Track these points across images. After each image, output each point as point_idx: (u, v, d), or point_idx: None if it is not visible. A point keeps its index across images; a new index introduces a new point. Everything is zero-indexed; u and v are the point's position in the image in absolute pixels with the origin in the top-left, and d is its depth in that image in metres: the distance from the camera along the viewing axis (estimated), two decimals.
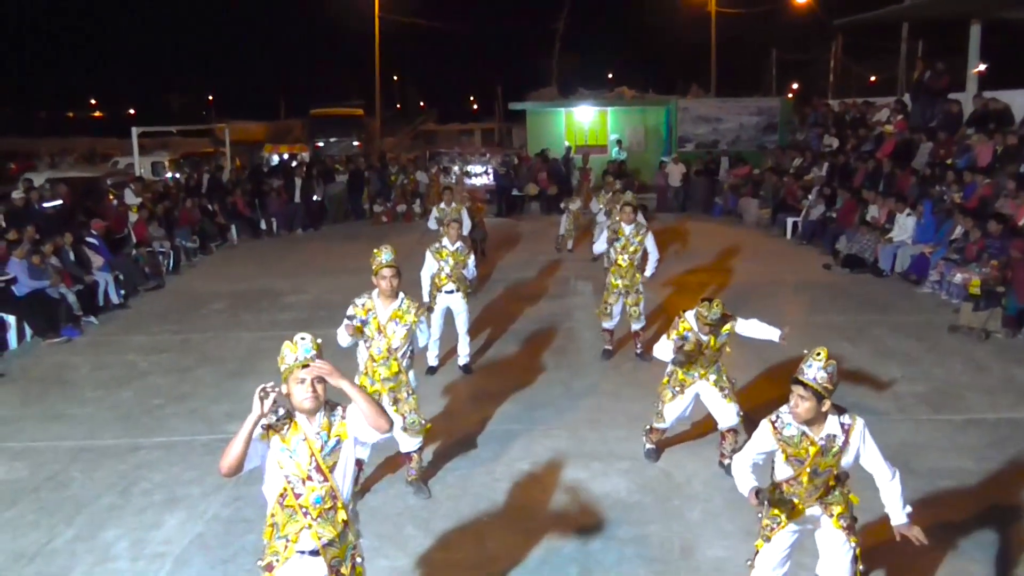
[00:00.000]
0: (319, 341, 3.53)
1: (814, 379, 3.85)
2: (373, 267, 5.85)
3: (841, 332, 9.97)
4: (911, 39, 26.59)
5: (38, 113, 58.37)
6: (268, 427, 3.51)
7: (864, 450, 4.03)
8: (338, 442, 3.61)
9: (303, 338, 3.51)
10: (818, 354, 3.89)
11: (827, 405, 3.92)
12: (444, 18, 41.65)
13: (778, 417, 4.08)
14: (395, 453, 6.22)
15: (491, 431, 7.33)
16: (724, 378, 6.30)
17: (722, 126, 23.97)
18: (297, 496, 3.55)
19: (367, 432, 3.66)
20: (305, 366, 3.48)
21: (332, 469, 3.58)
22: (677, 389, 6.35)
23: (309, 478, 3.54)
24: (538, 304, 11.84)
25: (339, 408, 3.68)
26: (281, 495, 3.57)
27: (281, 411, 3.52)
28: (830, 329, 10.15)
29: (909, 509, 4.13)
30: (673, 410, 6.39)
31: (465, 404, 8.04)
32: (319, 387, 3.51)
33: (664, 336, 6.23)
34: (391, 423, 3.73)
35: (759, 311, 10.76)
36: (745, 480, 4.16)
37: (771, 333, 6.19)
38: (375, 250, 5.89)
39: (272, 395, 3.36)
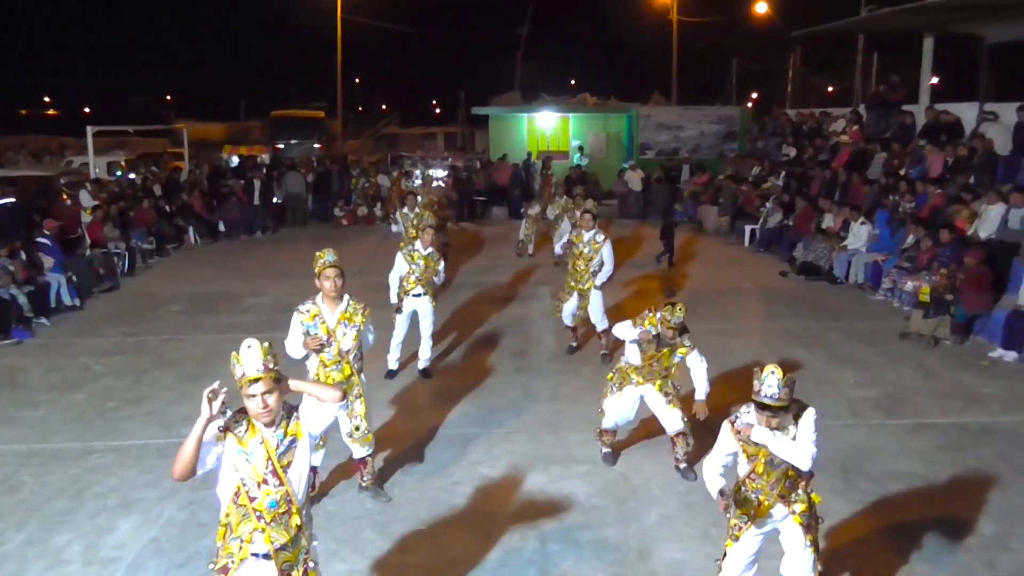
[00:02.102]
0: (266, 345, 3.47)
1: (776, 398, 3.92)
2: (316, 269, 5.74)
3: (797, 338, 10.14)
4: (867, 51, 27.16)
5: None
6: (224, 428, 3.48)
7: (805, 425, 4.09)
8: (293, 440, 3.59)
9: (249, 347, 3.45)
10: (772, 372, 3.91)
11: (793, 409, 4.05)
12: (408, 21, 41.64)
13: (737, 418, 4.17)
14: (348, 458, 6.19)
15: (450, 434, 7.32)
16: (669, 384, 6.38)
17: (683, 134, 24.25)
18: (252, 499, 3.53)
19: (317, 421, 3.73)
20: (254, 380, 3.43)
21: (287, 469, 3.56)
22: (616, 386, 6.46)
23: (265, 481, 3.52)
24: (499, 308, 11.88)
25: (295, 410, 3.67)
26: (236, 494, 3.54)
27: (228, 412, 3.48)
28: (786, 335, 10.32)
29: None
30: (613, 408, 6.48)
31: (424, 407, 8.03)
32: (270, 399, 3.46)
33: (629, 320, 6.30)
34: (343, 392, 3.82)
35: (717, 316, 10.98)
36: (713, 482, 4.26)
37: (702, 388, 6.26)
38: (317, 252, 5.79)
39: (221, 395, 3.33)
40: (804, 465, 4.01)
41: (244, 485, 3.52)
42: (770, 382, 3.90)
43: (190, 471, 3.38)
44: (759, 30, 37.74)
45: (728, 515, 4.29)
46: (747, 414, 4.11)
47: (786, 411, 3.98)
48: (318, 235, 18.59)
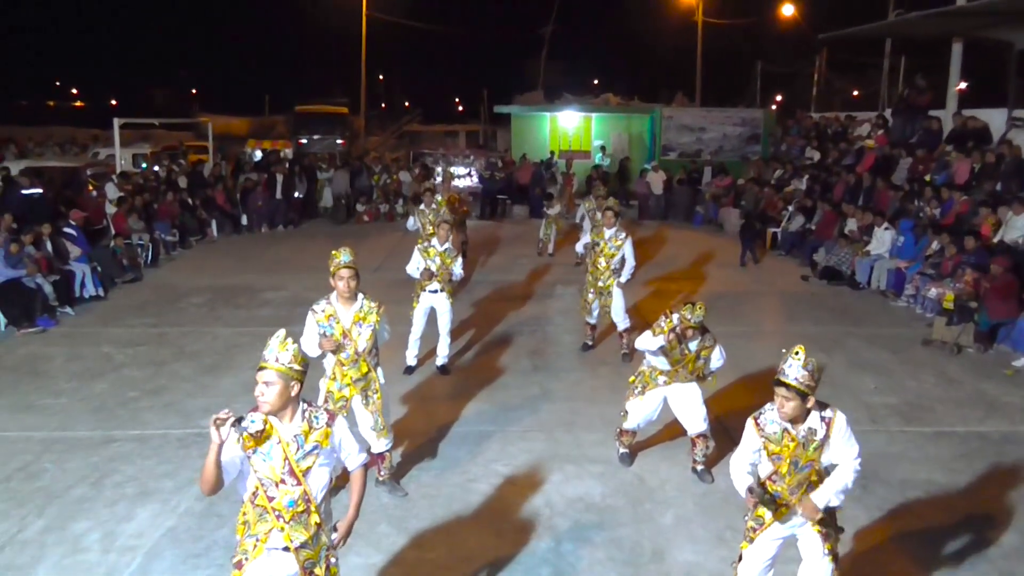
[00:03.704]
0: (297, 348, 3.61)
1: (796, 379, 3.89)
2: (331, 268, 5.72)
3: (817, 343, 10.05)
4: (894, 55, 26.89)
5: (20, 102, 57.67)
6: (249, 435, 3.49)
7: (843, 443, 4.04)
8: (316, 447, 3.61)
9: (277, 336, 3.58)
10: (796, 353, 3.92)
11: (811, 402, 3.96)
12: (432, 19, 41.70)
13: (761, 414, 4.12)
14: (367, 452, 6.21)
15: (467, 431, 7.34)
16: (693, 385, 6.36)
17: (706, 135, 24.13)
18: (270, 499, 3.54)
19: (355, 460, 3.89)
20: (261, 368, 3.52)
21: (307, 473, 3.58)
22: (639, 389, 6.43)
23: (283, 481, 3.54)
24: (518, 306, 11.88)
25: (322, 412, 3.68)
26: (252, 494, 3.57)
27: (253, 424, 3.50)
28: (806, 339, 10.12)
29: (835, 504, 4.11)
30: (637, 409, 6.46)
31: (441, 404, 8.04)
32: (269, 391, 3.50)
33: (649, 331, 6.29)
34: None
35: (737, 319, 10.93)
36: (741, 479, 4.20)
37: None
38: (333, 251, 5.77)
39: (228, 422, 3.33)
40: (855, 472, 4.06)
41: (262, 484, 3.54)
42: (791, 362, 3.91)
43: (217, 486, 3.42)
44: (784, 32, 37.55)
45: (746, 517, 4.25)
46: (772, 411, 4.06)
47: (804, 399, 3.91)
48: (339, 231, 18.69)
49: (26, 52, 62.34)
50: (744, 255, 15.45)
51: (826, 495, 4.06)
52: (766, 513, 4.16)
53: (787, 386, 3.90)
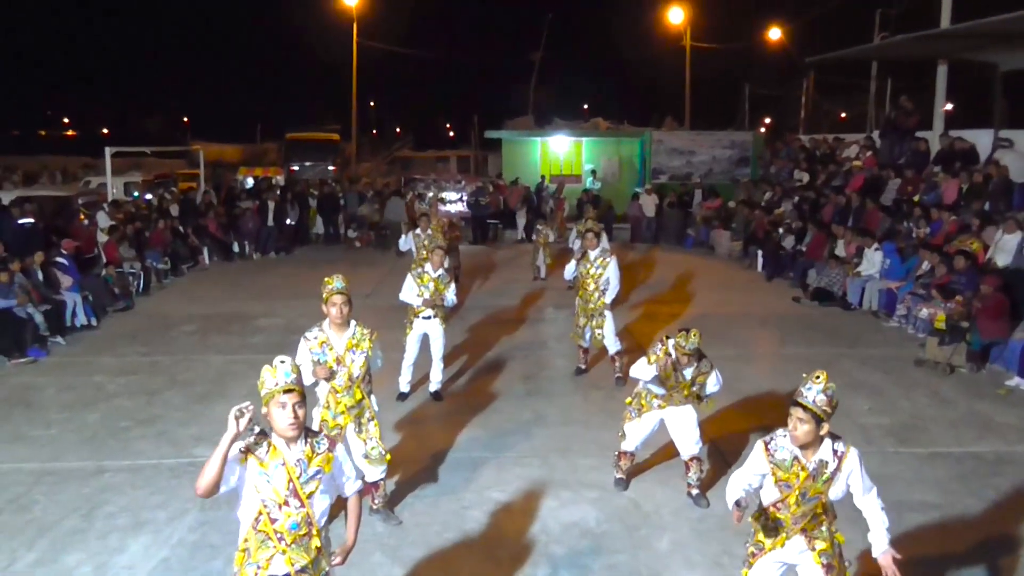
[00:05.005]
0: (298, 364, 3.63)
1: (813, 402, 3.85)
2: (323, 295, 5.69)
3: (810, 364, 9.92)
4: (880, 78, 27.18)
5: (11, 131, 57.78)
6: (246, 450, 3.51)
7: (855, 478, 3.99)
8: (319, 472, 3.64)
9: (283, 361, 3.57)
10: (818, 377, 3.89)
11: (825, 429, 3.90)
12: (423, 46, 42.00)
13: (772, 439, 4.04)
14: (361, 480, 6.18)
15: (461, 458, 7.30)
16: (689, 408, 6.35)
17: (695, 158, 24.28)
18: (273, 521, 3.55)
19: (351, 486, 3.94)
20: (288, 391, 3.53)
21: (310, 497, 3.60)
22: (635, 412, 6.43)
23: (286, 503, 3.55)
24: (510, 331, 11.87)
25: (324, 439, 3.71)
26: (256, 519, 3.57)
27: (256, 429, 3.54)
28: (799, 361, 10.24)
29: (889, 537, 4.08)
30: (634, 431, 6.45)
31: (435, 430, 8.01)
32: (300, 412, 3.55)
33: (644, 358, 6.28)
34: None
35: (729, 342, 10.93)
36: (733, 493, 4.13)
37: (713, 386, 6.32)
38: (326, 278, 5.75)
39: (248, 414, 3.37)
40: (882, 507, 4.07)
41: (265, 507, 3.54)
42: (811, 385, 3.89)
43: (214, 487, 3.41)
44: (772, 56, 37.95)
45: (747, 543, 4.21)
46: (783, 437, 4.00)
47: (819, 424, 3.86)
48: (330, 257, 18.68)
49: (17, 82, 62.57)
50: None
51: (884, 539, 4.05)
52: (766, 539, 4.11)
53: (804, 408, 3.85)
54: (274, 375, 3.54)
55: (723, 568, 5.32)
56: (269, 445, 3.56)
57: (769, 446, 4.04)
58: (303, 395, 3.59)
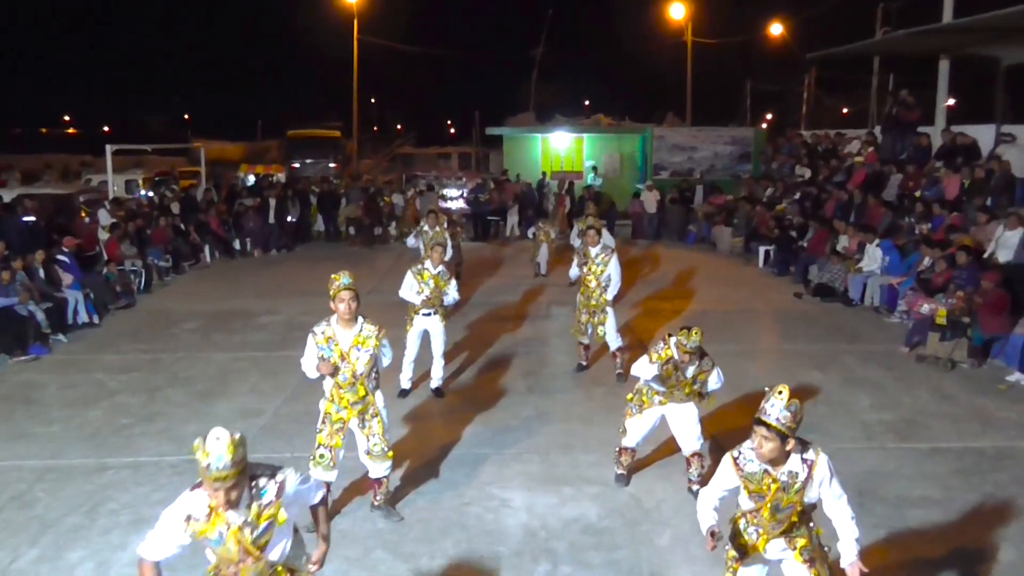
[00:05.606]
0: (237, 437, 3.26)
1: (777, 420, 3.73)
2: (331, 291, 5.70)
3: (811, 360, 10.08)
4: (882, 73, 27.13)
5: (12, 129, 57.77)
6: (186, 518, 3.38)
7: (825, 486, 3.92)
8: (270, 524, 3.48)
9: (217, 439, 3.21)
10: (780, 392, 3.75)
11: (791, 444, 3.80)
12: (424, 42, 41.94)
13: (740, 453, 3.96)
14: (363, 476, 6.19)
15: (462, 454, 7.31)
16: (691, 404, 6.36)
17: (697, 155, 24.26)
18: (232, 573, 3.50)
19: (313, 499, 3.88)
20: (220, 479, 3.21)
21: (265, 548, 3.49)
22: (636, 407, 6.44)
23: (241, 561, 3.47)
24: (512, 327, 11.88)
25: (271, 484, 3.47)
26: (214, 570, 3.56)
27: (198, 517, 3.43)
28: (800, 357, 10.27)
29: (858, 548, 4.01)
30: (635, 427, 6.46)
31: (436, 427, 8.02)
32: (233, 494, 3.30)
33: (645, 356, 6.29)
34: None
35: (731, 338, 10.93)
36: (706, 517, 4.06)
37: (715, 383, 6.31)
38: (333, 275, 5.75)
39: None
40: (852, 514, 4.00)
41: (218, 568, 3.52)
42: (774, 402, 3.75)
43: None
44: (773, 52, 37.86)
45: (727, 547, 4.14)
46: (752, 451, 3.90)
47: (783, 440, 3.75)
48: (331, 254, 18.69)
49: (19, 80, 62.61)
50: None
51: (852, 549, 3.98)
52: (745, 545, 4.06)
53: (767, 426, 3.74)
54: (205, 456, 3.20)
55: (724, 564, 5.31)
56: (211, 510, 3.36)
57: (738, 460, 3.96)
58: (239, 474, 3.28)
